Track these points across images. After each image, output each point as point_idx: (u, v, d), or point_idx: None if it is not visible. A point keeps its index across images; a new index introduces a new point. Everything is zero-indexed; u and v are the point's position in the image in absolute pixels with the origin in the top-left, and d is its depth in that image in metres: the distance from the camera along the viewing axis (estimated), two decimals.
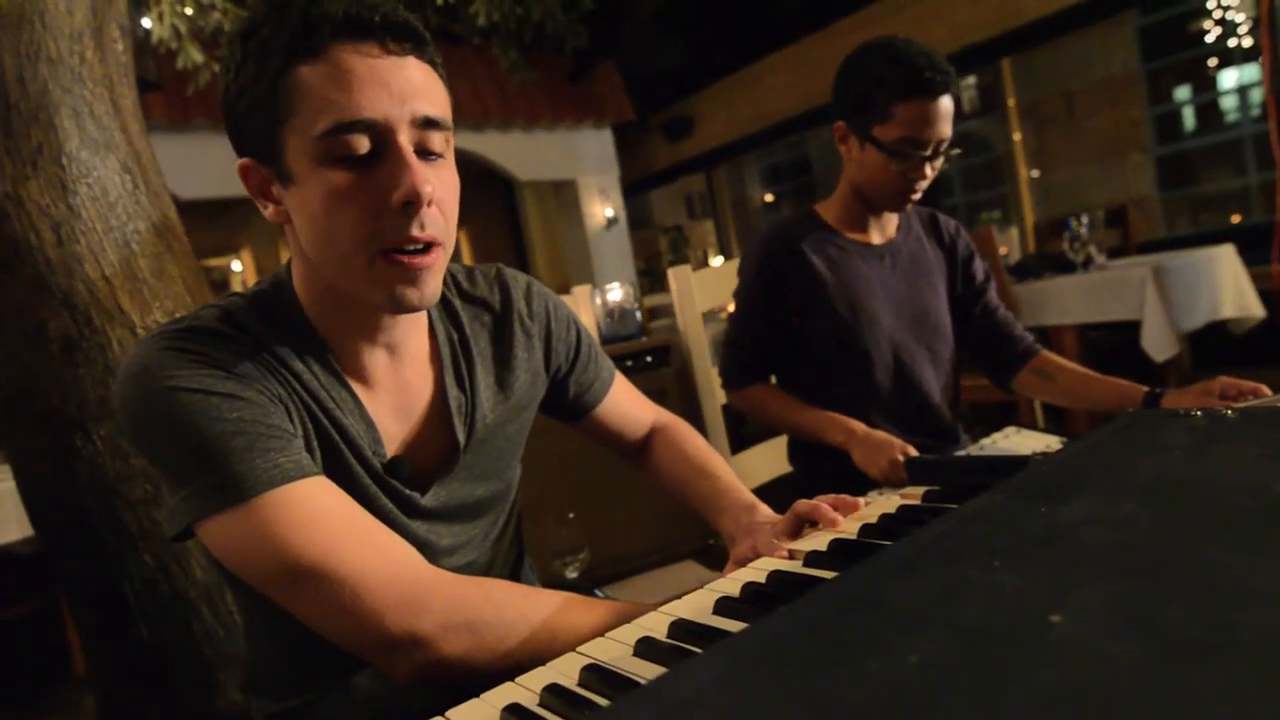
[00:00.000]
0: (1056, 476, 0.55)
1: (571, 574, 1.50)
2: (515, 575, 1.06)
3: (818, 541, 0.72)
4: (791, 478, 1.66)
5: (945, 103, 1.30)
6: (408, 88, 0.70)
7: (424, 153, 0.72)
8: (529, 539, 1.42)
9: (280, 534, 0.68)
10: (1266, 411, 0.62)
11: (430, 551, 0.88)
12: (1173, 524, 0.43)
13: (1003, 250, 3.36)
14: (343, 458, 0.79)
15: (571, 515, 1.48)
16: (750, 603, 0.61)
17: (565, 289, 6.80)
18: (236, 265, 8.98)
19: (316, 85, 0.67)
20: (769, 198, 9.21)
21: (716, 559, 1.76)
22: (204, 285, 1.40)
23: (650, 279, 8.84)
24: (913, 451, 1.25)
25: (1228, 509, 0.44)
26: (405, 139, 0.70)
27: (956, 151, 1.35)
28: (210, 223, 7.40)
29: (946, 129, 1.32)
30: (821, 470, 1.49)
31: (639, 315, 1.80)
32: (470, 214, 9.01)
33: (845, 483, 1.32)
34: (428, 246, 0.73)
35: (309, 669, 0.89)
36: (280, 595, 0.70)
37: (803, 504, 0.79)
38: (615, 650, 0.59)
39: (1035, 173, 6.69)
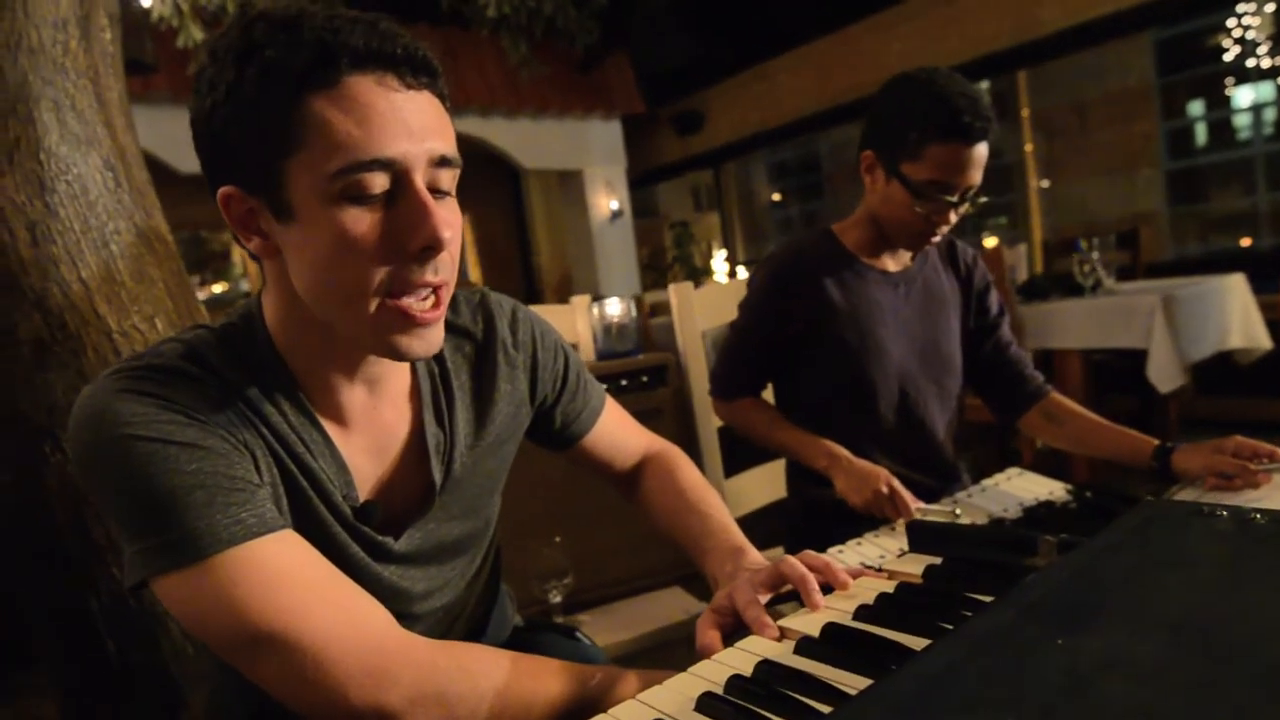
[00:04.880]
0: (1072, 592, 0.51)
1: (555, 599, 1.46)
2: (490, 610, 1.02)
3: (809, 623, 0.68)
4: (787, 505, 1.62)
5: (981, 150, 1.24)
6: (426, 125, 0.66)
7: (434, 191, 0.68)
8: (512, 563, 1.38)
9: (239, 597, 0.63)
10: None
11: (405, 599, 0.84)
12: (1207, 685, 0.39)
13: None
14: (311, 505, 0.75)
15: (557, 539, 1.44)
16: (735, 703, 0.57)
17: (567, 280, 6.76)
18: None
19: (332, 119, 0.62)
20: (776, 196, 9.14)
21: (703, 588, 1.72)
22: (187, 288, 1.35)
23: (655, 273, 8.77)
24: (896, 483, 1.21)
25: (1268, 672, 0.39)
26: (421, 179, 0.66)
27: (982, 200, 1.30)
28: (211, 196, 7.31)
29: (977, 176, 1.26)
30: (819, 501, 1.45)
31: (637, 331, 1.75)
32: (474, 201, 8.93)
33: (843, 515, 1.28)
34: (436, 295, 0.70)
35: (270, 710, 0.85)
36: (238, 661, 0.66)
37: (790, 566, 0.75)
38: None
39: (1045, 183, 6.63)
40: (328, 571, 0.69)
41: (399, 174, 0.65)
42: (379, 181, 0.65)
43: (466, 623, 0.97)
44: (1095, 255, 2.82)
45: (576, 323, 1.85)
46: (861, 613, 0.67)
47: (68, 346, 1.18)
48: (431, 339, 0.71)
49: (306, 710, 0.65)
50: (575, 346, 1.87)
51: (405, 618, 0.85)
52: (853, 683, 0.56)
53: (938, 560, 0.78)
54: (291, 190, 0.65)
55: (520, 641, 1.04)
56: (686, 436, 1.68)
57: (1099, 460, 2.61)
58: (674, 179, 9.22)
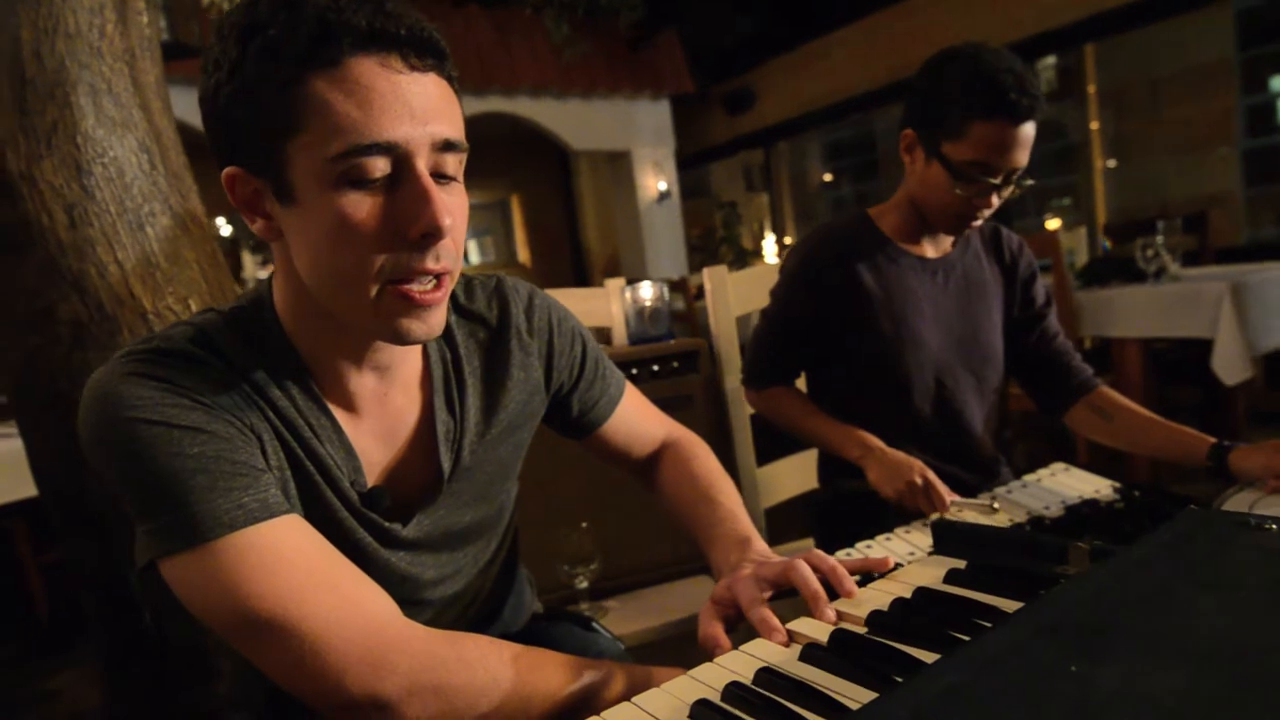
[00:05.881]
0: (1093, 611, 0.47)
1: (582, 584, 1.45)
2: (506, 596, 1.01)
3: (818, 628, 0.65)
4: (817, 496, 1.58)
5: (1027, 129, 1.17)
6: (429, 107, 0.64)
7: (438, 176, 0.66)
8: (539, 547, 1.38)
9: (238, 581, 0.64)
10: None
11: (414, 585, 0.83)
12: None
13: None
14: (318, 490, 0.75)
15: (585, 525, 1.43)
16: (729, 713, 0.54)
17: (615, 261, 6.76)
18: None
19: (333, 101, 0.61)
20: (827, 177, 8.94)
21: None
22: (222, 269, 1.37)
23: (703, 255, 8.70)
24: (931, 475, 1.17)
25: None
26: (423, 163, 0.64)
27: (1029, 183, 1.23)
28: None
29: (1023, 157, 1.19)
30: (851, 493, 1.41)
31: (669, 316, 1.73)
32: (524, 182, 8.98)
33: (874, 508, 1.24)
34: (438, 280, 0.68)
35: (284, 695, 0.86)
36: (239, 644, 0.66)
37: (801, 578, 0.71)
38: None
39: (1112, 162, 6.36)
40: (330, 557, 0.69)
41: (400, 158, 0.64)
42: (379, 165, 0.63)
43: (480, 609, 0.96)
44: (1159, 239, 2.68)
45: (609, 304, 1.83)
46: (874, 620, 0.64)
47: (104, 327, 1.21)
48: (433, 321, 0.69)
49: (305, 696, 0.65)
50: (608, 331, 1.85)
51: (416, 604, 0.85)
52: (856, 696, 0.53)
53: (961, 563, 0.74)
54: (293, 172, 0.64)
55: (536, 630, 1.03)
56: (718, 424, 1.65)
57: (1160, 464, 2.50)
58: (725, 159, 9.11)
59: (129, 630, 1.29)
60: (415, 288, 0.67)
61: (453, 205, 0.67)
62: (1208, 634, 0.43)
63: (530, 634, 1.02)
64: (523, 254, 9.26)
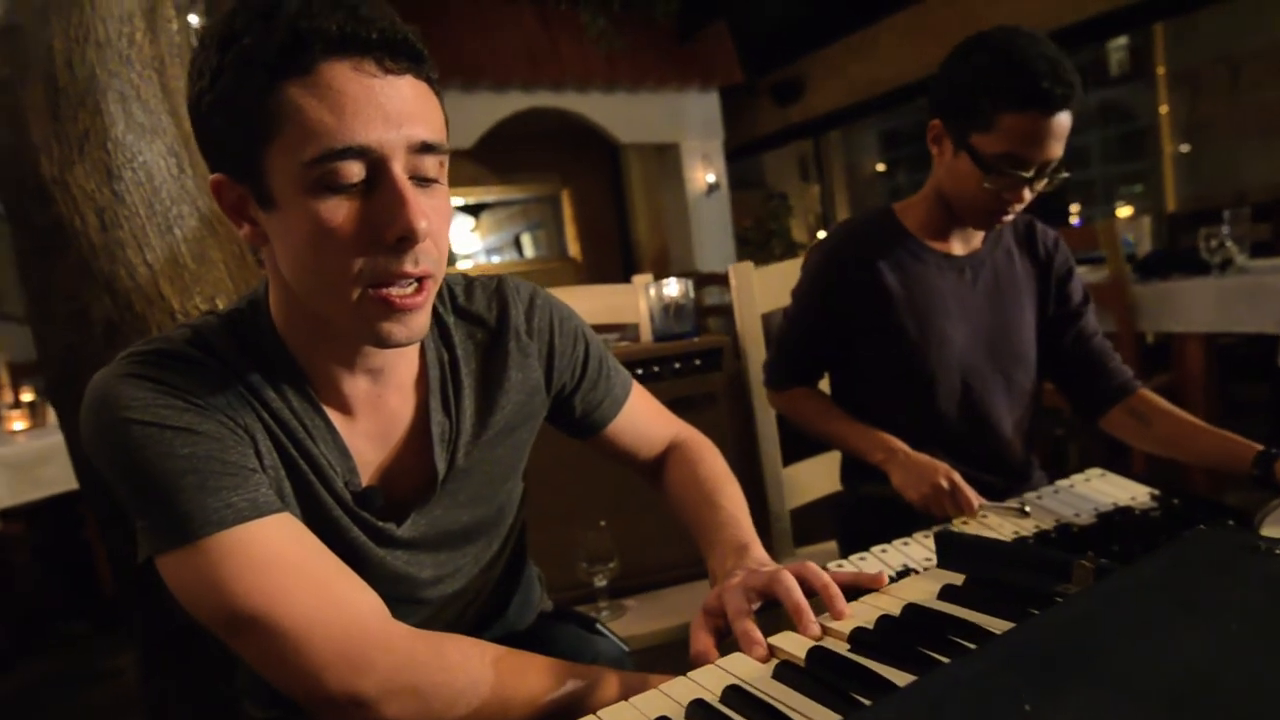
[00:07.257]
0: (1073, 640, 0.44)
1: (600, 583, 1.45)
2: (511, 595, 1.02)
3: (800, 643, 0.63)
4: (840, 499, 1.54)
5: (1062, 120, 1.11)
6: (404, 110, 0.64)
7: (418, 179, 0.67)
8: (558, 545, 1.38)
9: (224, 579, 0.65)
10: None
11: (411, 584, 0.84)
12: None
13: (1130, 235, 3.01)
14: (312, 490, 0.76)
15: (603, 523, 1.42)
16: None
17: (664, 254, 6.71)
18: None
19: (306, 106, 0.62)
20: (880, 167, 8.75)
21: None
22: (248, 269, 1.40)
23: (753, 247, 8.60)
24: (957, 477, 1.12)
25: None
26: (400, 167, 0.65)
27: (1065, 175, 1.16)
28: None
29: (1057, 149, 1.13)
30: (873, 498, 1.37)
31: (695, 312, 1.71)
32: (574, 176, 9.00)
33: (897, 513, 1.20)
34: (419, 284, 0.68)
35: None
36: (227, 639, 0.68)
37: (785, 591, 0.69)
38: None
39: (1185, 147, 6.06)
40: (318, 556, 0.70)
41: (375, 162, 0.64)
42: (354, 170, 0.63)
43: (483, 608, 0.96)
44: (1225, 229, 2.53)
45: (638, 302, 1.81)
46: (856, 637, 0.62)
47: (135, 327, 1.25)
48: (414, 325, 0.70)
49: (289, 691, 0.67)
50: (635, 327, 1.84)
51: (414, 602, 0.85)
52: (819, 718, 0.51)
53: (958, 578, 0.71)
54: (272, 179, 0.65)
55: (539, 630, 1.03)
56: (742, 422, 1.63)
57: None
58: (777, 149, 8.99)
59: (162, 618, 1.33)
60: (395, 292, 0.67)
61: (431, 208, 0.67)
62: (1186, 669, 0.40)
63: (534, 634, 1.02)
64: (574, 248, 9.30)
